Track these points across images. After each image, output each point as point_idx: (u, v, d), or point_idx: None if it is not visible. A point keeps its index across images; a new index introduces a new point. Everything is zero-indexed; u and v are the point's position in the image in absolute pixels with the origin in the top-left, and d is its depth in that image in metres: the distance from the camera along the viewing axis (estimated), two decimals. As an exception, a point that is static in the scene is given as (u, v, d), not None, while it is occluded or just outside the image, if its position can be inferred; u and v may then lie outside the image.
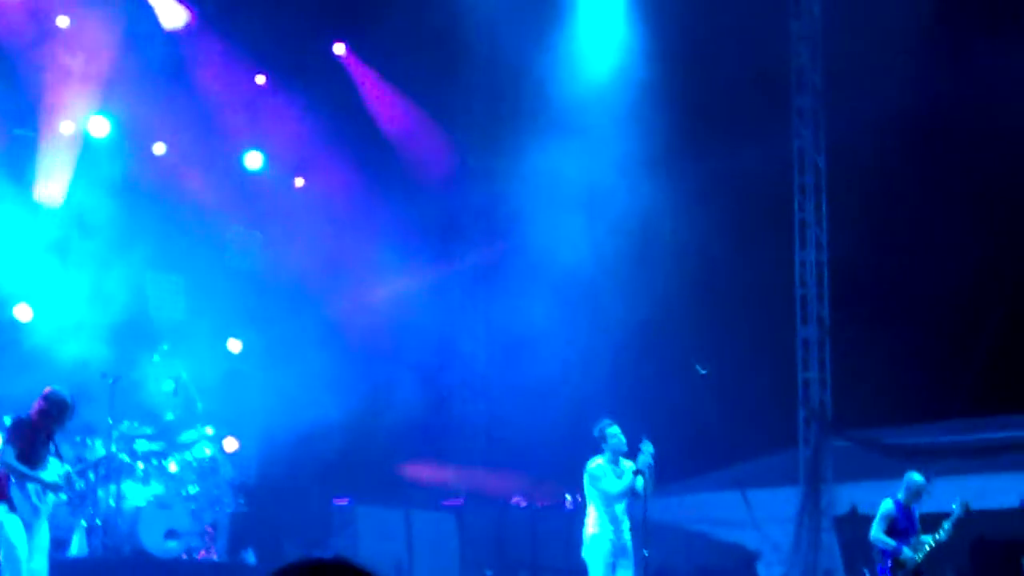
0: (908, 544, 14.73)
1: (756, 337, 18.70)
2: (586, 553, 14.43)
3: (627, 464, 14.20)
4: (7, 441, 13.18)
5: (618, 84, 19.41)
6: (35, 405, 13.23)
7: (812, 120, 19.88)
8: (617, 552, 14.29)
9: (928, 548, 14.76)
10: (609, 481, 14.34)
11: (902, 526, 14.80)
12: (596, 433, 14.47)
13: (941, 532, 14.76)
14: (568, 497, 16.63)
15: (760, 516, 19.49)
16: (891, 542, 14.68)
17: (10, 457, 12.91)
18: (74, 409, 13.42)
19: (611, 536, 14.30)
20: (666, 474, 16.09)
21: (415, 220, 19.33)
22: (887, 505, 14.96)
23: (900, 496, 14.97)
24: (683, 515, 19.29)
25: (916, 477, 15.02)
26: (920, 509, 14.96)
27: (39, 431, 13.12)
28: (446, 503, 17.90)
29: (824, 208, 19.92)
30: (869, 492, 18.91)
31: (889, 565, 14.74)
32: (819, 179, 19.96)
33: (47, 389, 13.36)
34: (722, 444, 18.69)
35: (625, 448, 14.34)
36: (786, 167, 19.84)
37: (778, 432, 19.58)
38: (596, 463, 14.45)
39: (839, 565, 18.81)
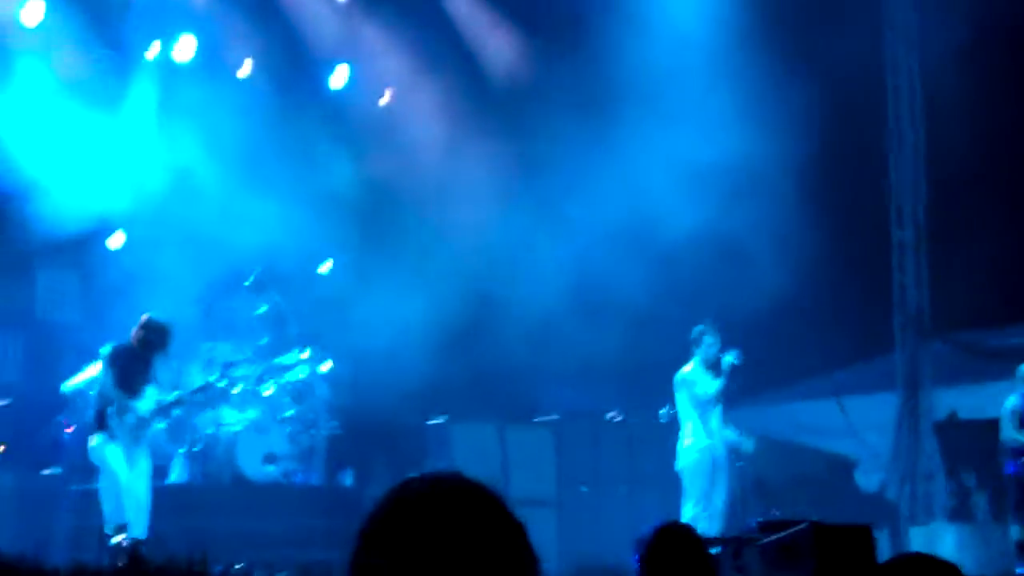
0: None
1: (850, 242, 18.53)
2: (681, 464, 14.53)
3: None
4: (106, 368, 13.40)
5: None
6: (134, 333, 13.42)
7: (904, 20, 19.56)
8: (713, 462, 14.38)
9: None
10: (704, 384, 14.43)
11: None
12: (693, 335, 14.55)
13: None
14: (663, 411, 16.66)
15: (857, 423, 19.38)
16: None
17: (110, 385, 13.13)
18: (172, 335, 13.62)
19: (706, 446, 14.39)
20: (759, 383, 16.13)
21: (495, 134, 19.24)
22: (1012, 402, 14.91)
23: (1021, 391, 14.89)
24: (777, 425, 19.25)
25: None
26: None
27: (138, 359, 13.33)
28: (540, 419, 17.99)
29: (919, 109, 19.65)
30: (968, 396, 18.81)
31: (1022, 462, 14.69)
32: (913, 80, 19.68)
33: (145, 316, 13.56)
34: (817, 352, 18.57)
35: (715, 358, 14.42)
36: (879, 70, 19.56)
37: (874, 338, 19.44)
38: (688, 368, 14.54)
39: (939, 470, 18.73)
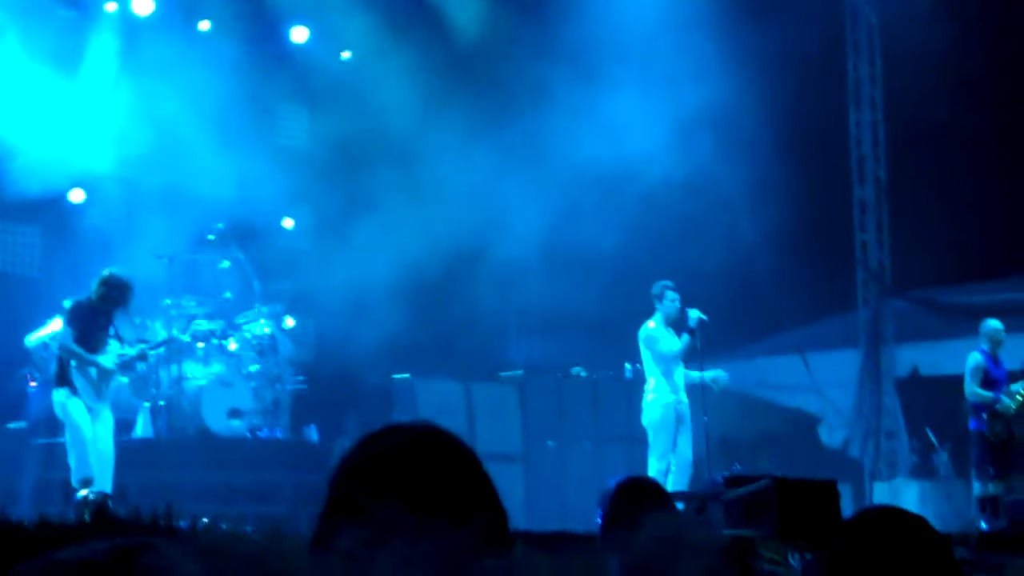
0: (1003, 392, 14.80)
1: (812, 200, 18.57)
2: (646, 420, 14.56)
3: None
4: (67, 324, 13.33)
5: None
6: (94, 288, 13.34)
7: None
8: (677, 417, 14.42)
9: (1021, 397, 14.82)
10: (667, 342, 14.47)
11: (994, 375, 14.88)
12: (655, 291, 14.55)
13: None
14: (628, 366, 16.70)
15: (820, 380, 19.51)
16: (988, 395, 14.74)
17: (70, 341, 13.06)
18: (134, 290, 13.54)
19: (670, 401, 14.42)
20: (722, 340, 16.17)
21: (460, 89, 19.18)
22: (975, 359, 15.00)
23: (985, 347, 15.00)
24: (742, 381, 19.30)
25: (994, 323, 15.05)
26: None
27: (99, 314, 13.26)
28: (505, 374, 18.01)
29: (879, 65, 19.68)
30: (930, 353, 18.95)
31: (984, 418, 14.80)
32: (872, 35, 19.70)
33: (105, 272, 13.47)
34: (780, 308, 18.66)
35: (677, 314, 14.45)
36: (838, 25, 19.58)
37: (836, 295, 19.55)
38: (651, 325, 14.56)
39: (902, 427, 18.86)
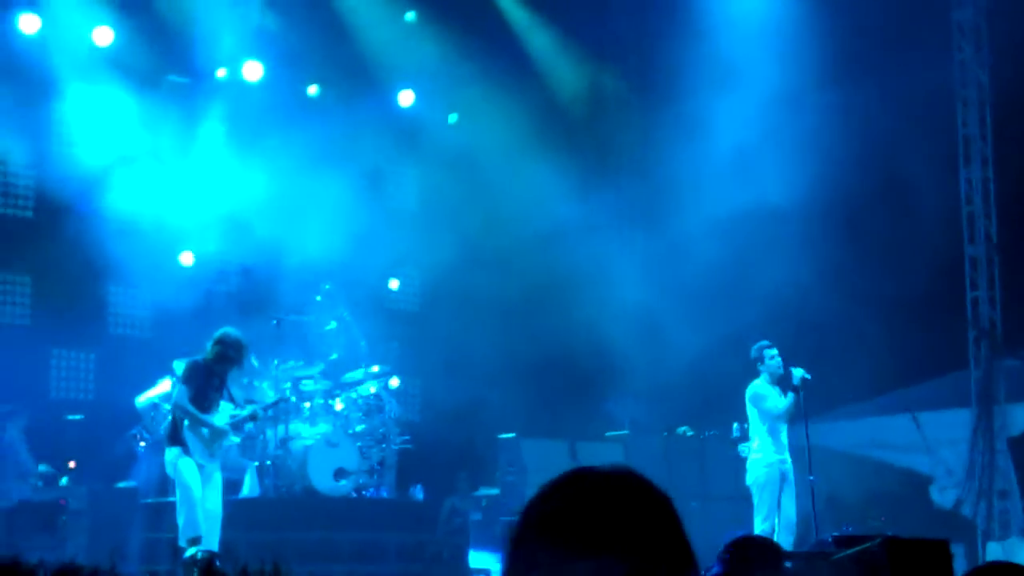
0: None
1: (923, 258, 18.38)
2: (751, 479, 14.44)
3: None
4: (182, 383, 13.42)
5: (768, 14, 19.09)
6: (209, 347, 13.42)
7: (973, 32, 19.43)
8: (781, 477, 14.30)
9: None
10: (773, 400, 14.37)
11: None
12: (754, 354, 14.50)
13: None
14: (735, 424, 16.57)
15: (931, 439, 19.25)
16: None
17: (185, 400, 13.13)
18: (248, 350, 13.63)
19: (774, 461, 14.31)
20: (830, 398, 16.03)
21: (567, 152, 19.27)
22: None
23: None
24: (851, 440, 19.16)
25: None
26: None
27: (213, 374, 13.33)
28: (611, 434, 17.95)
29: (989, 122, 19.50)
30: (1043, 412, 18.70)
31: None
32: (982, 93, 19.54)
33: (221, 331, 13.55)
34: (891, 367, 18.45)
35: (782, 371, 14.36)
36: (948, 82, 19.43)
37: (948, 353, 19.29)
38: (757, 383, 14.49)
39: (1015, 486, 18.55)
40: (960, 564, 12.14)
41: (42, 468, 16.34)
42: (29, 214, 18.43)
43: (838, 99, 18.16)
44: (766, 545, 6.85)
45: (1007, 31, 18.22)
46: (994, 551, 16.43)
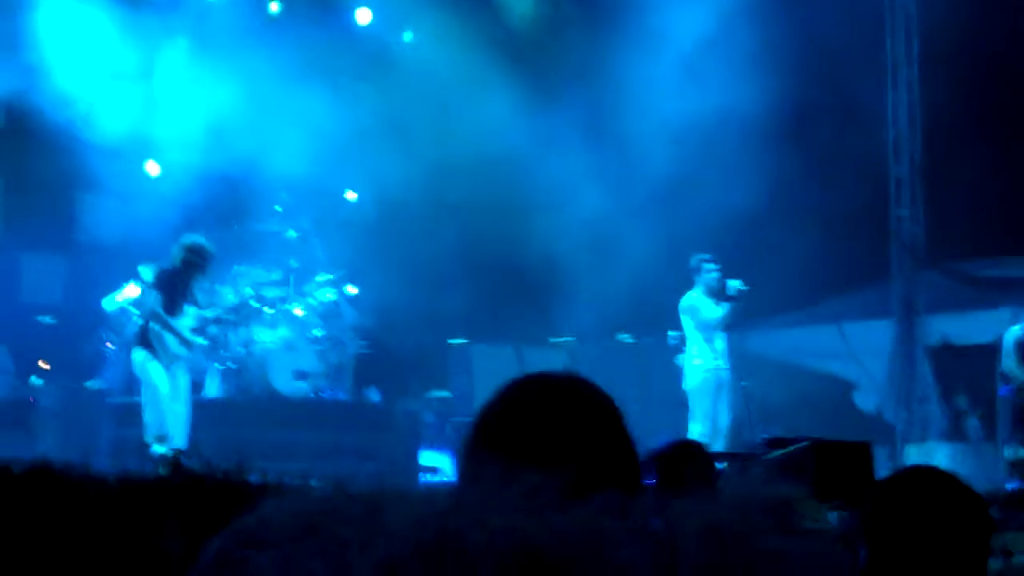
0: None
1: (853, 175, 18.51)
2: (688, 385, 14.60)
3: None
4: (154, 289, 13.43)
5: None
6: (176, 254, 13.42)
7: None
8: (718, 383, 14.46)
9: None
10: (708, 310, 14.49)
11: None
12: (692, 263, 14.58)
13: None
14: (670, 332, 16.71)
15: (856, 348, 19.47)
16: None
17: (159, 307, 13.17)
18: (212, 256, 13.64)
19: (712, 367, 14.46)
20: (762, 308, 16.16)
21: (520, 71, 19.22)
22: (1015, 333, 14.85)
23: None
24: (781, 348, 19.33)
25: None
26: None
27: (180, 279, 13.35)
28: (556, 340, 18.05)
29: (915, 50, 19.54)
30: (960, 323, 18.87)
31: (1013, 386, 14.74)
32: (909, 22, 19.56)
33: (187, 238, 13.55)
34: (818, 280, 18.61)
35: (717, 284, 14.48)
36: (880, 9, 19.45)
37: (872, 267, 19.46)
38: (692, 295, 14.60)
39: (933, 393, 18.79)
40: (882, 465, 12.30)
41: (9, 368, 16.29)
42: (-1, 124, 18.28)
43: (783, 15, 18.13)
44: (696, 449, 6.95)
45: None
46: (913, 453, 16.63)
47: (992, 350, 15.49)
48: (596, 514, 1.79)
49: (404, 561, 1.69)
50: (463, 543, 1.71)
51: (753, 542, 1.77)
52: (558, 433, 2.19)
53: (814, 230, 17.70)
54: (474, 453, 2.22)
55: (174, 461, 11.98)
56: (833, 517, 9.05)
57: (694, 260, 14.67)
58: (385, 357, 17.70)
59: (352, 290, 17.39)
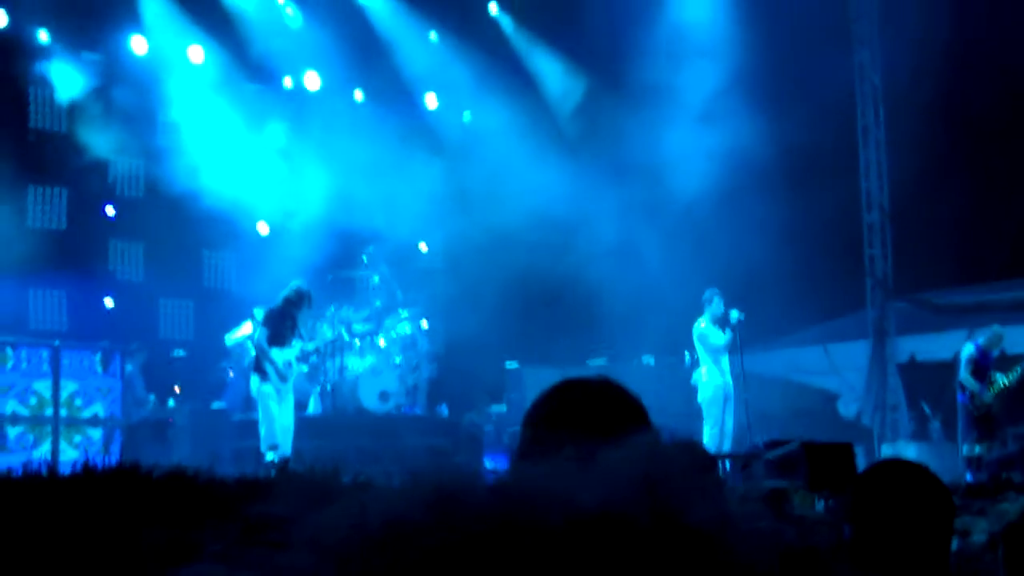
0: (984, 382, 14.57)
1: (830, 224, 18.47)
2: (701, 397, 14.53)
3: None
4: (262, 326, 13.50)
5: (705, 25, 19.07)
6: (283, 296, 13.50)
7: (868, 42, 19.33)
8: (726, 395, 14.38)
9: (1001, 386, 14.56)
10: (715, 337, 14.43)
11: (982, 365, 14.62)
12: (705, 297, 14.53)
13: (1012, 375, 14.52)
14: (686, 353, 16.63)
15: (839, 365, 19.38)
16: (976, 384, 14.49)
17: (264, 341, 13.23)
18: (311, 298, 13.70)
19: (720, 383, 14.39)
20: (760, 333, 16.07)
21: (554, 139, 19.33)
22: (969, 350, 14.71)
23: (981, 341, 14.74)
24: (776, 367, 19.24)
25: (999, 329, 14.79)
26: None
27: (286, 317, 13.40)
28: (592, 362, 18.00)
29: (882, 114, 19.44)
30: (924, 343, 18.79)
31: (969, 395, 14.58)
32: (876, 91, 19.46)
33: (293, 283, 13.66)
34: (805, 309, 18.56)
35: (723, 314, 14.42)
36: (849, 82, 19.36)
37: (850, 298, 19.41)
38: (702, 324, 14.53)
39: (903, 401, 18.68)
40: (861, 461, 12.20)
41: (152, 397, 16.40)
42: (141, 194, 18.46)
43: (766, 94, 18.05)
44: (699, 452, 6.87)
45: (895, 39, 18.13)
46: (886, 452, 16.53)
47: (951, 365, 15.34)
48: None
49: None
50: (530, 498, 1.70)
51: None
52: (592, 420, 2.25)
53: (802, 268, 17.63)
54: (527, 434, 2.30)
55: (282, 466, 12.02)
56: (821, 505, 8.99)
57: (708, 293, 14.65)
58: (453, 379, 17.76)
59: (425, 324, 17.44)
